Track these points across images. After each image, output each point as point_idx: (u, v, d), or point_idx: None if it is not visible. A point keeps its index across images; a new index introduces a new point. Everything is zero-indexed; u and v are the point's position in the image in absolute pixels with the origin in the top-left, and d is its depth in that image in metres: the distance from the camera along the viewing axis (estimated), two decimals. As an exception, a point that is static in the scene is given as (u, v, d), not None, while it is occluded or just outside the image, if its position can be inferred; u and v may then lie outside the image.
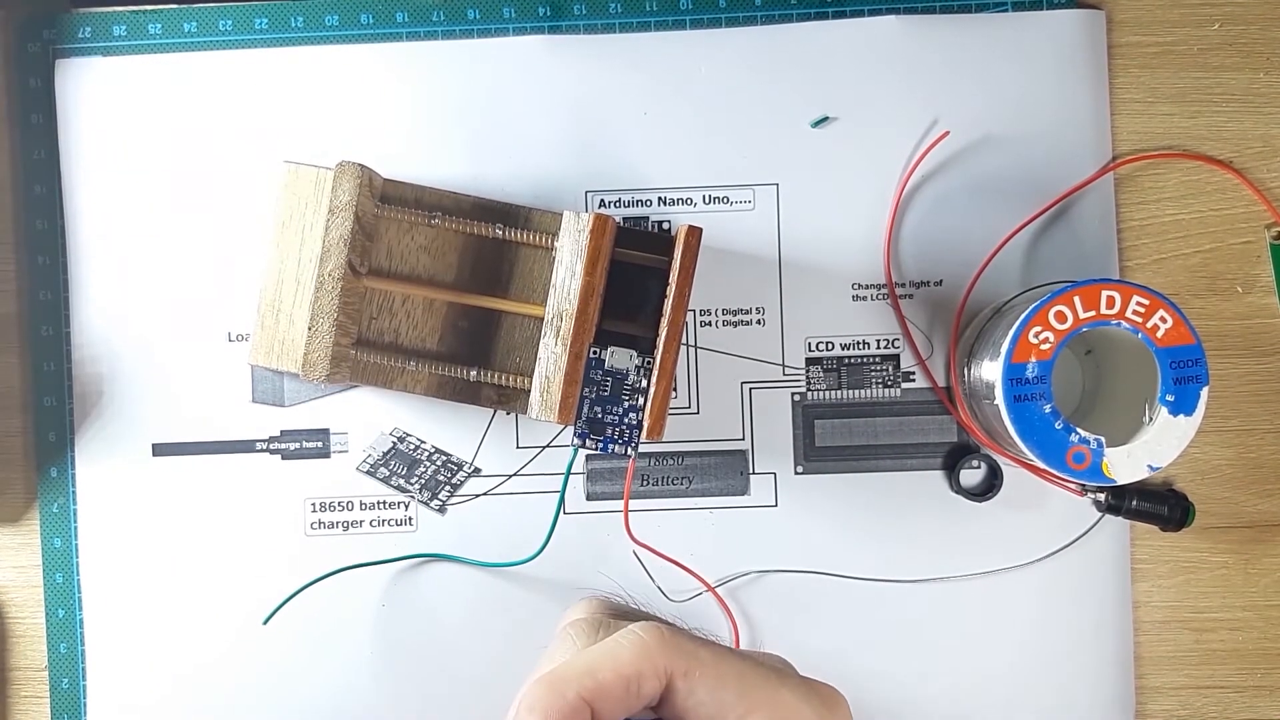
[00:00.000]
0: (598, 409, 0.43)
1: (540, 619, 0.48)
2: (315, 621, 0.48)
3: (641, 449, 0.45)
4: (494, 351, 0.45)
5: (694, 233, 0.42)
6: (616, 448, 0.43)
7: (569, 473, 0.45)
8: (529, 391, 0.43)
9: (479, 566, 0.48)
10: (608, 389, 0.43)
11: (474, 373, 0.44)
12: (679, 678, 0.27)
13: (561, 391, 0.42)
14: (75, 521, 0.49)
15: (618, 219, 0.46)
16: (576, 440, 0.43)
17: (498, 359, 0.45)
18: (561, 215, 0.44)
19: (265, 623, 0.48)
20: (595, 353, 0.43)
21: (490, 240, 0.45)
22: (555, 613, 0.45)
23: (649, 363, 0.43)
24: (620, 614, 0.33)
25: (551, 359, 0.43)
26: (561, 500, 0.46)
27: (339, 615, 0.48)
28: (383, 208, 0.44)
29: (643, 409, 0.43)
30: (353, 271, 0.43)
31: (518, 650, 0.48)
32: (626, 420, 0.43)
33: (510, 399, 0.44)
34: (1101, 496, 0.47)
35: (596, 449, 0.43)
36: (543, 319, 0.43)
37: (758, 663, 0.29)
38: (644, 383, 0.43)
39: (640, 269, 0.43)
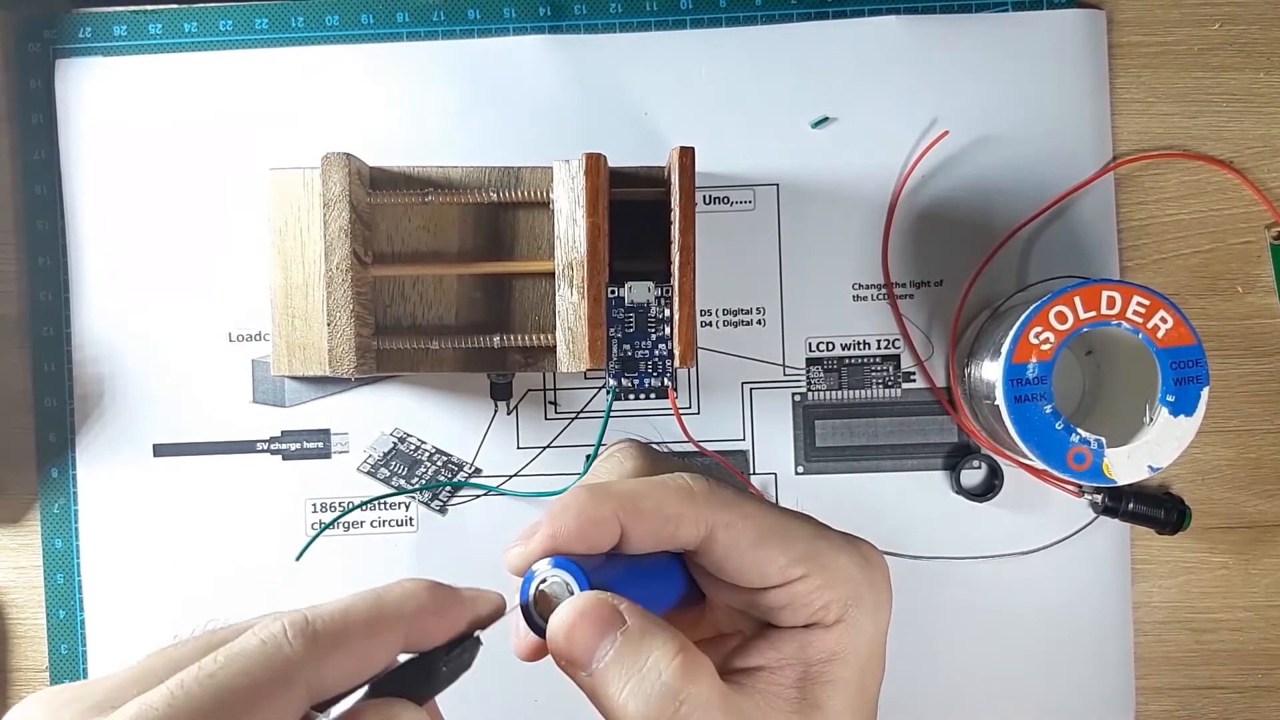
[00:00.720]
0: (626, 347, 0.43)
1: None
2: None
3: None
4: (512, 315, 0.45)
5: (686, 152, 0.42)
6: (652, 380, 0.43)
7: (607, 418, 0.45)
8: (554, 347, 0.44)
9: (521, 497, 0.48)
10: (632, 325, 0.43)
11: (497, 339, 0.44)
12: (721, 529, 0.27)
13: (588, 337, 0.42)
14: (76, 522, 0.49)
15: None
16: (612, 381, 0.43)
17: (517, 322, 0.45)
18: (552, 168, 0.44)
19: (298, 559, 0.48)
20: (613, 292, 0.43)
21: (487, 206, 0.45)
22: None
23: (668, 290, 0.43)
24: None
25: (570, 309, 0.43)
26: (598, 448, 0.47)
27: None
28: (375, 194, 0.44)
29: (670, 338, 0.43)
30: (359, 261, 0.43)
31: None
32: (657, 352, 0.43)
33: (538, 358, 0.45)
34: (1099, 498, 0.47)
35: (633, 385, 0.43)
36: (554, 273, 0.43)
37: (799, 517, 0.29)
38: (667, 312, 0.43)
39: (639, 205, 0.43)
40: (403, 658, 0.24)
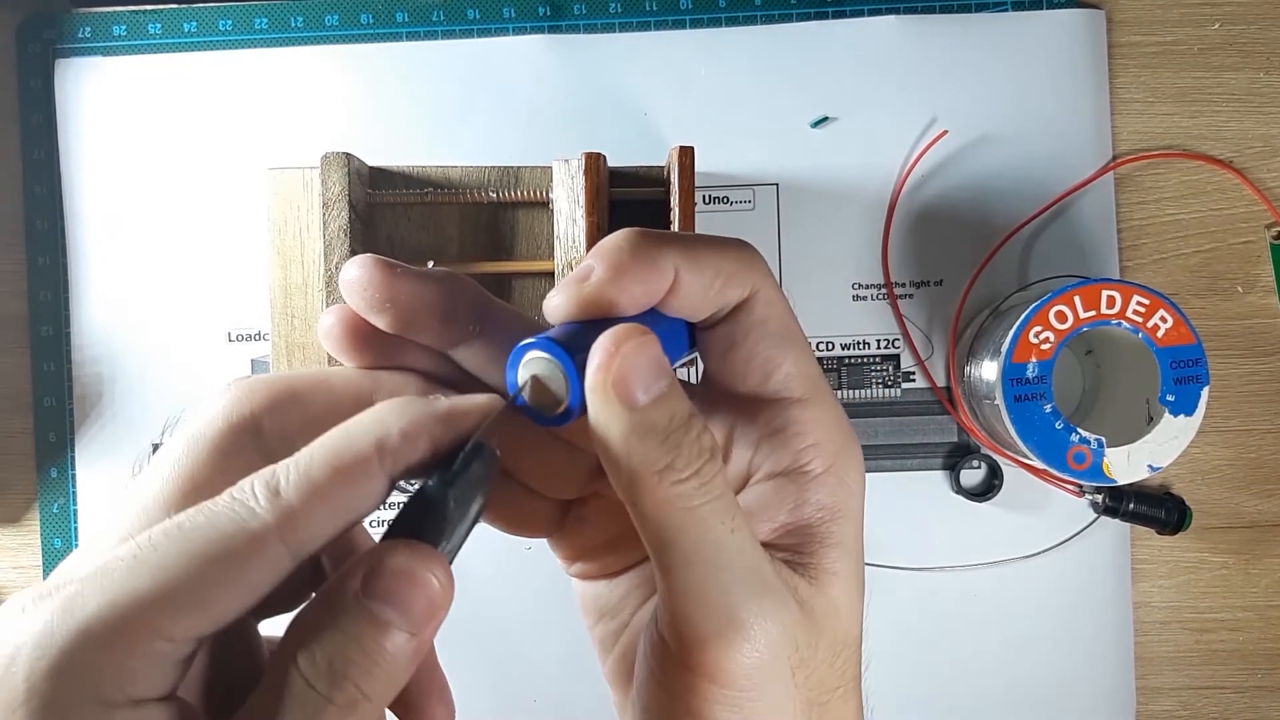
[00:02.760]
0: None
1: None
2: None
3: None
4: None
5: (686, 152, 0.42)
6: None
7: None
8: None
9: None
10: None
11: None
12: (761, 302, 0.25)
13: None
14: (75, 522, 0.49)
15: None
16: None
17: None
18: (551, 168, 0.44)
19: None
20: None
21: (486, 206, 0.45)
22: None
23: None
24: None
25: None
26: None
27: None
28: (374, 193, 0.44)
29: None
30: None
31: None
32: None
33: None
34: (1099, 498, 0.47)
35: None
36: (553, 273, 0.43)
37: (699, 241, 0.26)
38: None
39: (639, 205, 0.43)
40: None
